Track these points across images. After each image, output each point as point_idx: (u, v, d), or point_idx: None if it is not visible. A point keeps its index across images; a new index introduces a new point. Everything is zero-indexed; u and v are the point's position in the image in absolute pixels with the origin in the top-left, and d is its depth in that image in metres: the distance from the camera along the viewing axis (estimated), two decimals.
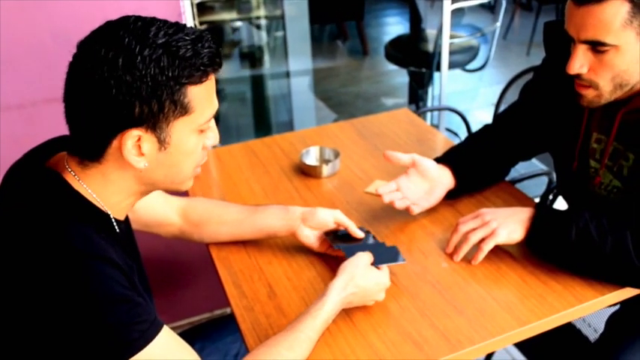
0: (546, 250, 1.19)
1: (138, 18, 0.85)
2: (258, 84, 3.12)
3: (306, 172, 1.62)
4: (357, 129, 1.85)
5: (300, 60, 2.90)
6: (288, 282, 1.22)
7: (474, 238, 1.21)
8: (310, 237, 1.26)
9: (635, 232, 1.10)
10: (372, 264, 1.14)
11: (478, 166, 1.44)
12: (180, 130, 0.87)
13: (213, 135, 0.95)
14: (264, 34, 3.01)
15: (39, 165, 0.92)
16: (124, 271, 0.84)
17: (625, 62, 1.09)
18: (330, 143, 1.75)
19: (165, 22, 0.85)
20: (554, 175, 1.57)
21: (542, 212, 1.20)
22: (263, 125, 3.15)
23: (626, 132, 1.21)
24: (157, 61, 0.81)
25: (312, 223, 1.25)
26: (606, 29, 1.05)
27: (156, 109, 0.83)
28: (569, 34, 1.12)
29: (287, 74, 2.93)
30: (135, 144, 0.85)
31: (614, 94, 1.15)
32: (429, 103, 3.20)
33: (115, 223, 0.94)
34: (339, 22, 5.12)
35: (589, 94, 1.16)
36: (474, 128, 2.15)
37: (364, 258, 1.12)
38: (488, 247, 1.20)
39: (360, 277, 1.08)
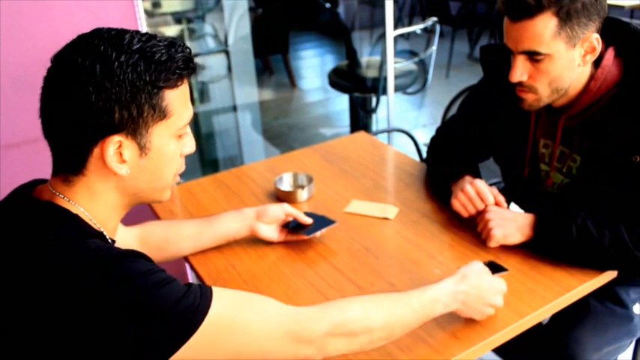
0: (552, 249, 1.29)
1: (110, 29, 0.87)
2: (203, 120, 3.13)
3: (282, 198, 1.64)
4: (320, 154, 1.91)
5: (246, 93, 2.95)
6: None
7: (479, 227, 1.38)
8: (268, 230, 1.40)
9: (628, 226, 1.23)
10: (310, 231, 1.36)
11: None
12: (159, 134, 0.89)
13: (190, 142, 0.98)
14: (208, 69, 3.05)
15: (26, 199, 0.91)
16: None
17: (558, 69, 1.25)
18: (298, 169, 1.78)
19: (137, 31, 0.88)
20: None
21: (543, 218, 1.31)
22: (210, 162, 3.14)
23: (569, 136, 1.37)
24: (134, 66, 0.83)
25: (266, 219, 1.39)
26: (539, 40, 1.22)
27: (135, 113, 0.84)
28: (509, 47, 1.27)
29: (234, 108, 2.96)
30: (116, 151, 0.86)
31: (551, 97, 1.31)
32: (374, 127, 3.32)
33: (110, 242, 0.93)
34: (265, 57, 5.22)
35: (529, 97, 1.32)
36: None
37: (479, 264, 1.14)
38: (491, 244, 1.33)
39: (473, 277, 1.10)
